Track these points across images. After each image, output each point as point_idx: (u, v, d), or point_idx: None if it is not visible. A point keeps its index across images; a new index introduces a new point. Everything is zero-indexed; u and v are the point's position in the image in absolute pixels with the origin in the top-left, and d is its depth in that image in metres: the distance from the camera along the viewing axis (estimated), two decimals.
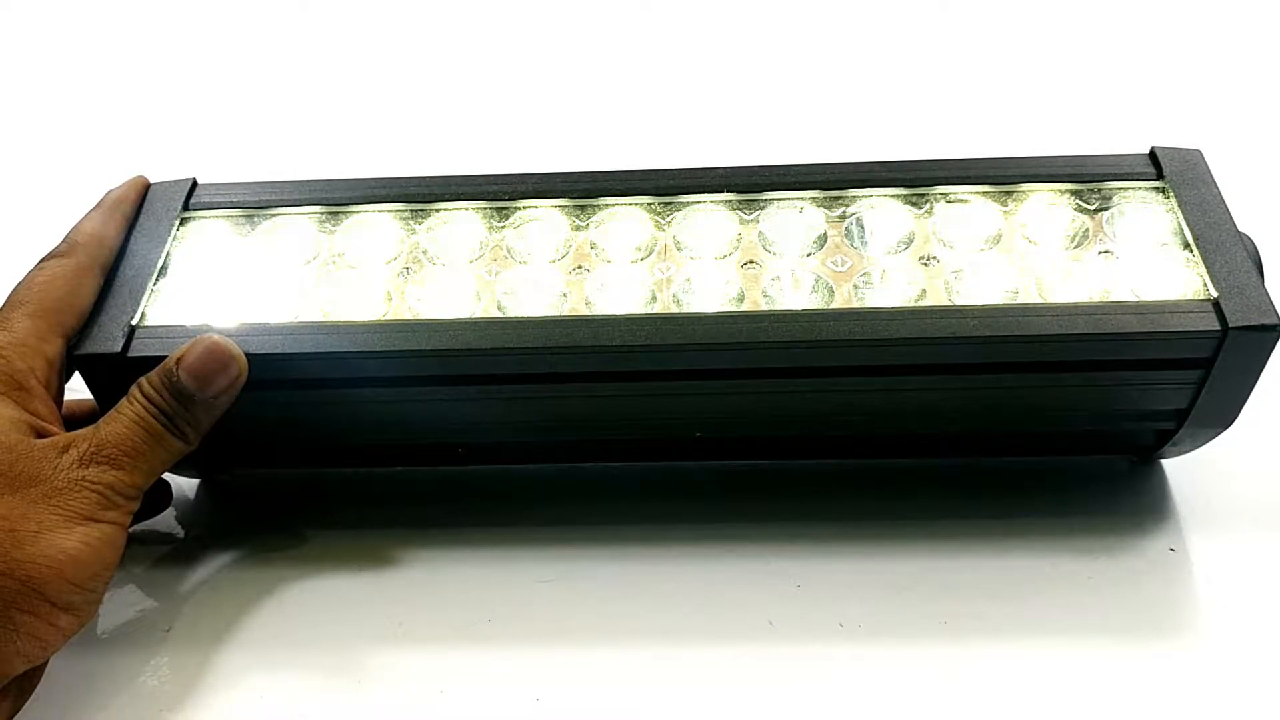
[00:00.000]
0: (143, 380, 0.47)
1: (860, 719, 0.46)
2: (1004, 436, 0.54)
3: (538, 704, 0.46)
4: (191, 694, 0.48)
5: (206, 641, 0.50)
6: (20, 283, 0.50)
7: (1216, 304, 0.47)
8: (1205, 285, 0.48)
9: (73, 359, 0.49)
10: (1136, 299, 0.48)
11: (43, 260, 0.51)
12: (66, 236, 0.52)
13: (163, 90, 0.88)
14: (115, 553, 0.46)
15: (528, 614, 0.50)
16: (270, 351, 0.48)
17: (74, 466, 0.45)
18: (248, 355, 0.48)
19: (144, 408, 0.47)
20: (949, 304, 0.49)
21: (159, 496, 0.55)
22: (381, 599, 0.51)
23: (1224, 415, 0.50)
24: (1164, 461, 0.56)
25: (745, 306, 0.49)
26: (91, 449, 0.45)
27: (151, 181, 0.56)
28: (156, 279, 0.52)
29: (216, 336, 0.48)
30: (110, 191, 0.54)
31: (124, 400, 0.47)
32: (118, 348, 0.49)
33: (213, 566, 0.54)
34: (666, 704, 0.46)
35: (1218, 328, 0.46)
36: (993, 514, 0.54)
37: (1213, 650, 0.48)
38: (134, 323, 0.50)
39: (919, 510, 0.54)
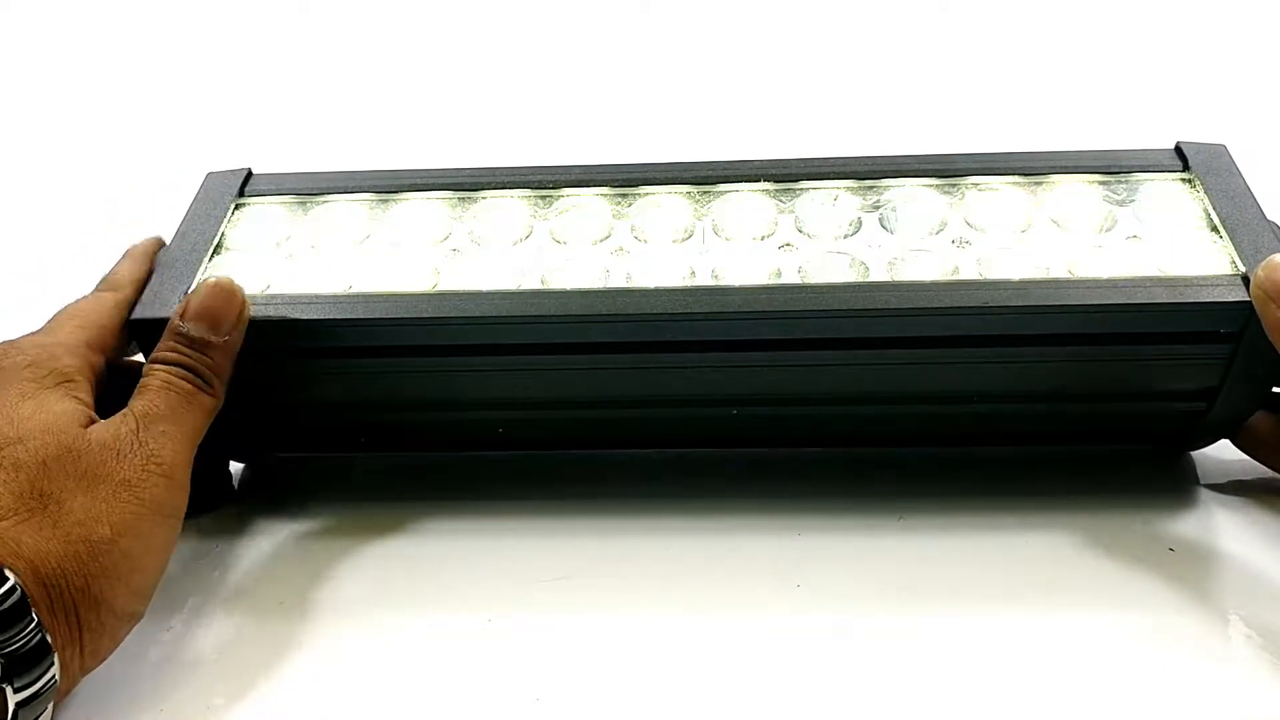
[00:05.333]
0: (154, 353, 0.48)
1: (860, 715, 0.45)
2: (1034, 419, 0.55)
3: (538, 704, 0.46)
4: (189, 692, 0.47)
5: (201, 640, 0.49)
6: (67, 306, 0.52)
7: (1245, 278, 0.48)
8: (1234, 262, 0.49)
9: (130, 325, 0.51)
10: (1166, 274, 0.49)
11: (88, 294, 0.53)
12: (105, 279, 0.53)
13: (211, 88, 0.91)
14: (171, 551, 0.46)
15: (528, 614, 0.50)
16: (323, 317, 0.50)
17: (133, 443, 0.45)
18: (300, 322, 0.50)
19: (166, 371, 0.47)
20: (982, 278, 0.50)
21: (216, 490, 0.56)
22: (380, 599, 0.51)
23: (1254, 393, 0.50)
24: (1160, 461, 0.56)
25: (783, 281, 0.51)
26: (138, 419, 0.46)
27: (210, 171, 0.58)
28: (211, 255, 0.54)
29: (210, 278, 0.49)
30: (133, 245, 0.55)
31: (142, 379, 0.48)
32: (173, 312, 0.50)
33: (204, 562, 0.54)
34: (667, 703, 0.46)
35: (1247, 299, 0.47)
36: (994, 514, 0.54)
37: (1212, 650, 0.47)
38: (189, 290, 0.51)
39: (919, 508, 0.54)
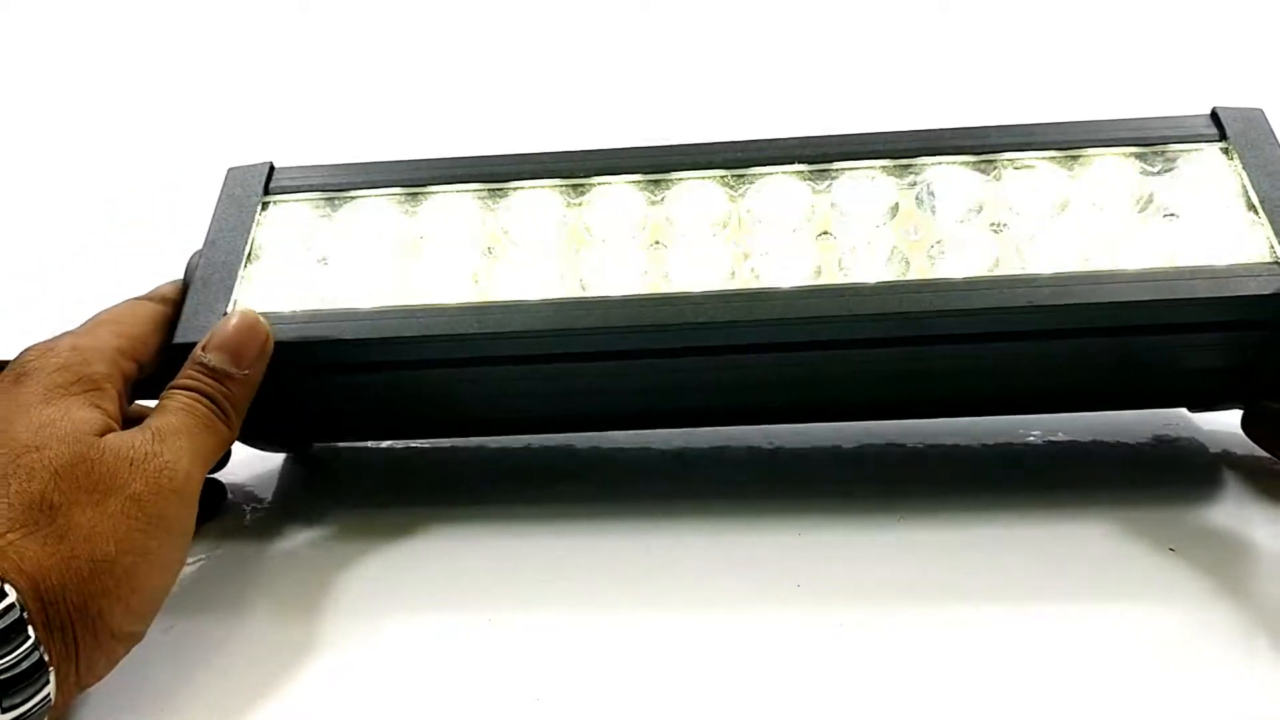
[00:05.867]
0: (175, 380, 0.48)
1: (861, 715, 0.45)
2: (1068, 393, 0.55)
3: (538, 704, 0.45)
4: (188, 695, 0.47)
5: (203, 642, 0.49)
6: (108, 307, 0.51)
7: None
8: (1272, 247, 0.49)
9: (170, 349, 0.50)
10: (1202, 264, 0.49)
11: (132, 299, 0.52)
12: (151, 292, 0.53)
13: (210, 85, 0.90)
14: (176, 572, 0.45)
15: (528, 614, 0.50)
16: (363, 337, 0.50)
17: (147, 453, 0.44)
18: (339, 341, 0.49)
19: (185, 395, 0.47)
20: (1021, 273, 0.50)
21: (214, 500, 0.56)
22: (380, 600, 0.51)
23: None
24: (1162, 461, 0.57)
25: (823, 279, 0.51)
26: (154, 432, 0.45)
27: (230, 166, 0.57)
28: (245, 263, 0.53)
29: (237, 309, 0.49)
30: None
31: (160, 401, 0.47)
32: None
33: (205, 564, 0.53)
34: (667, 703, 0.46)
35: None
36: (987, 515, 0.54)
37: (1211, 653, 0.47)
38: (228, 309, 0.51)
39: (919, 508, 0.54)
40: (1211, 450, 0.57)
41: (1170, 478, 0.55)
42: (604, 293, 0.51)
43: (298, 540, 0.54)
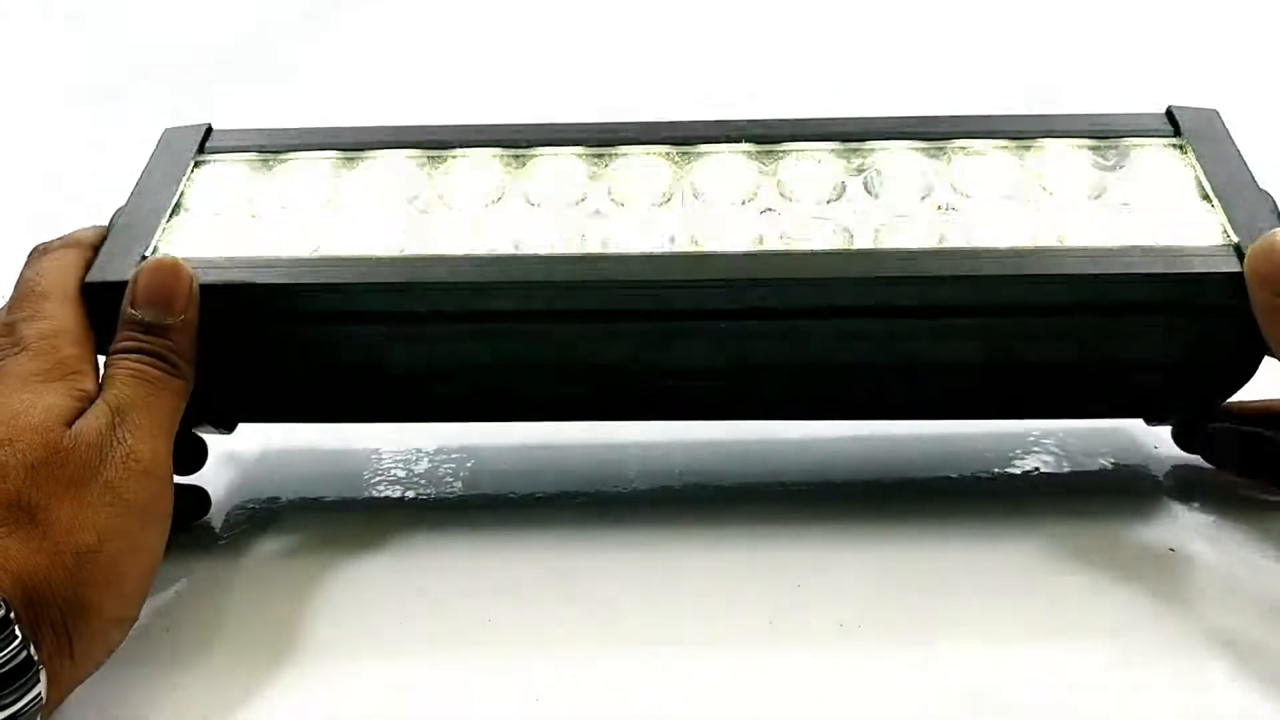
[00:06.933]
0: (114, 345, 0.47)
1: (861, 715, 0.45)
2: (1021, 394, 0.54)
3: (538, 704, 0.45)
4: (187, 700, 0.46)
5: (201, 642, 0.48)
6: (31, 273, 0.49)
7: (1238, 248, 0.47)
8: (1226, 232, 0.48)
9: (83, 289, 0.48)
10: (1155, 244, 0.48)
11: (44, 251, 0.50)
12: (66, 238, 0.51)
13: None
14: (160, 552, 0.45)
15: (528, 613, 0.49)
16: (283, 282, 0.48)
17: (111, 440, 0.43)
18: (263, 285, 0.48)
19: (130, 360, 0.46)
20: (966, 245, 0.49)
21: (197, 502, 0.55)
22: (378, 597, 0.50)
23: (1244, 367, 0.50)
24: (1162, 461, 0.56)
25: (765, 247, 0.50)
26: (113, 412, 0.44)
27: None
28: (170, 215, 0.51)
29: (153, 258, 0.48)
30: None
31: (107, 371, 0.46)
32: (131, 276, 0.48)
33: (199, 562, 0.53)
34: (667, 704, 0.45)
35: (1239, 269, 0.46)
36: (989, 515, 0.53)
37: (1212, 652, 0.46)
38: (147, 253, 0.49)
39: (914, 510, 0.54)
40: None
41: (1162, 486, 0.55)
42: (536, 251, 0.50)
43: (283, 545, 0.54)
